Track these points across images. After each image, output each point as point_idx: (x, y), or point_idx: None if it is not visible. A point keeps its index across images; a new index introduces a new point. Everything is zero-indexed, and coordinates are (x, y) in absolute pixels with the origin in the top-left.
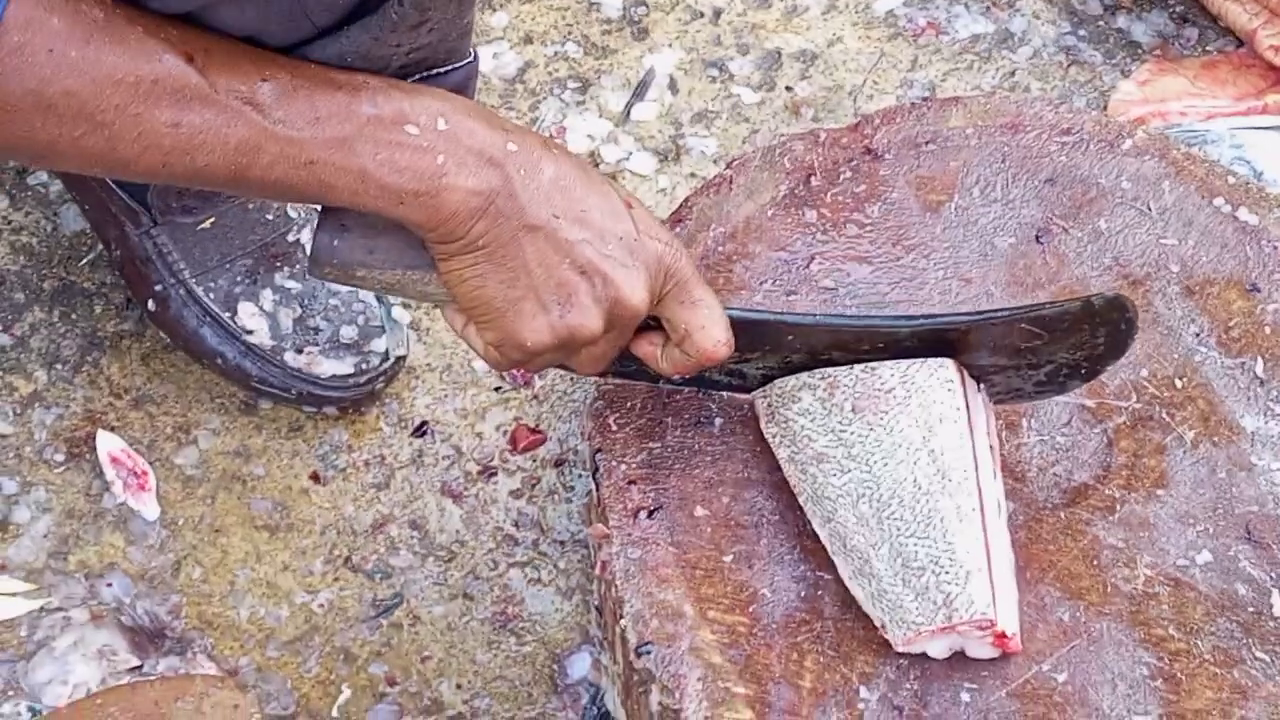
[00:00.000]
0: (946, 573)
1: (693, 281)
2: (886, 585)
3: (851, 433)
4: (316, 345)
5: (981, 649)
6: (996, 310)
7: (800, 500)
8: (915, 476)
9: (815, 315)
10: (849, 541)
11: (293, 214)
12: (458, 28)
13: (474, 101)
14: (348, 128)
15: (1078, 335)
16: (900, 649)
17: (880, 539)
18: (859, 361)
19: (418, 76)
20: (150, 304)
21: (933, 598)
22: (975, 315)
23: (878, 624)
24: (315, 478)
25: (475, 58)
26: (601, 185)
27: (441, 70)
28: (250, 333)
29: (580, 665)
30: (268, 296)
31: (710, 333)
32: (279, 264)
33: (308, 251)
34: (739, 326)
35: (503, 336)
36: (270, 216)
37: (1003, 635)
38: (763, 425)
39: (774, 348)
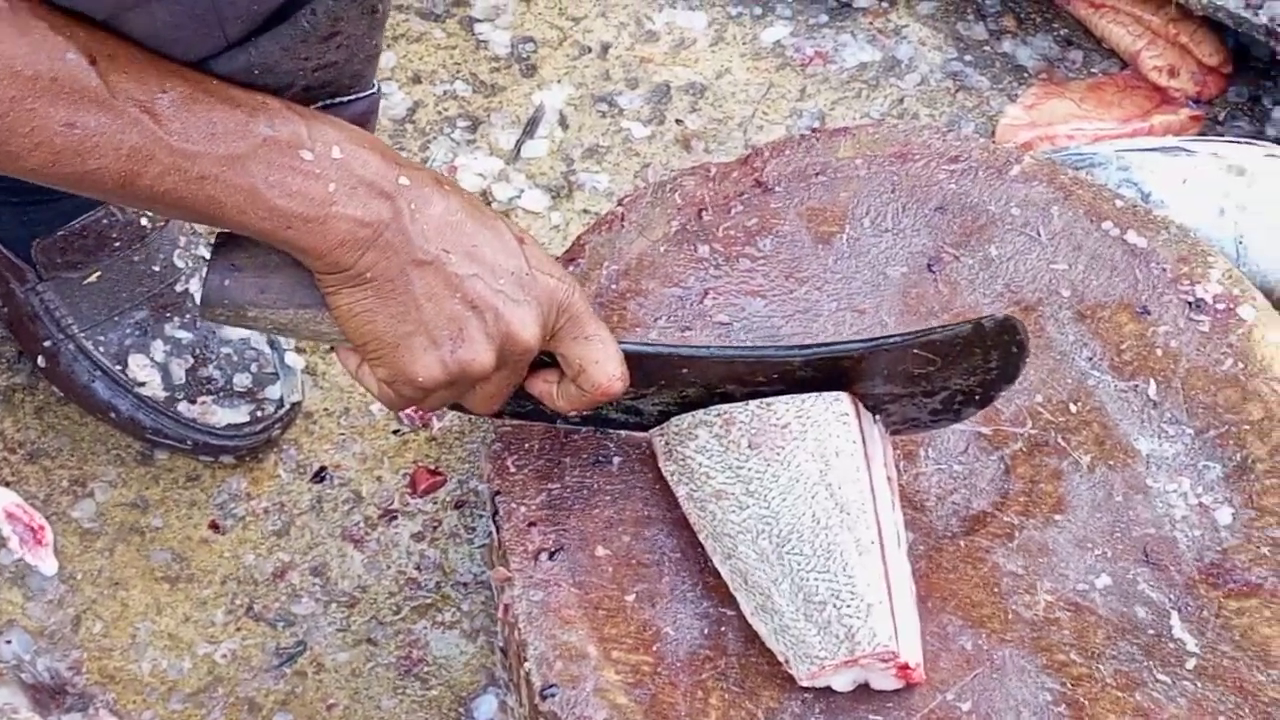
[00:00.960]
0: (848, 606)
1: (586, 316)
2: (789, 620)
3: (749, 469)
4: (210, 395)
5: (885, 681)
6: (889, 336)
7: (700, 537)
8: (814, 511)
9: (709, 348)
10: (750, 578)
11: (179, 264)
12: (366, 48)
13: (371, 134)
14: (242, 146)
15: (970, 359)
16: (805, 684)
17: (781, 574)
18: (755, 395)
19: (321, 104)
20: (40, 359)
21: (835, 631)
22: (868, 342)
23: (781, 659)
24: (214, 527)
25: (378, 90)
26: (493, 221)
27: (345, 99)
28: (142, 385)
29: (486, 708)
30: (159, 348)
31: (605, 367)
32: (169, 314)
33: (197, 299)
34: (634, 361)
35: (394, 373)
36: (157, 268)
37: (906, 666)
38: (661, 463)
39: (669, 382)
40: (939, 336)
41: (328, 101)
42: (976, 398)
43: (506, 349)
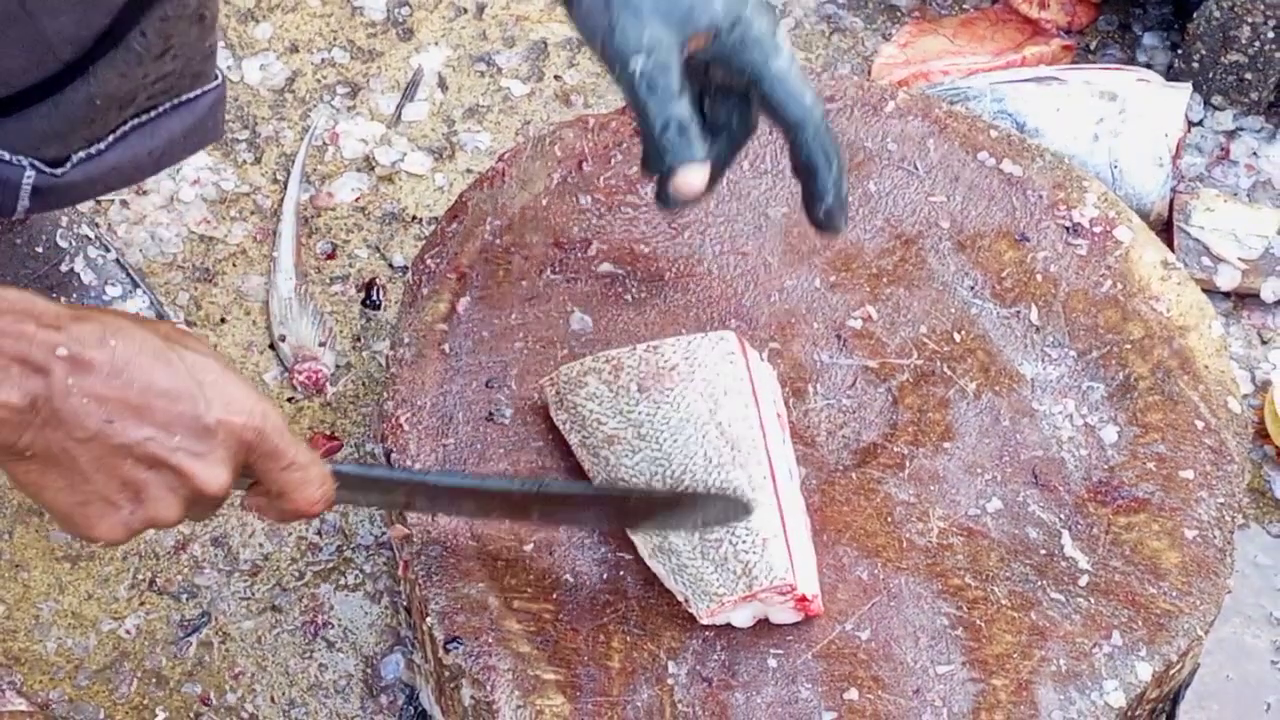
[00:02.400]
0: (743, 542)
1: (280, 448)
2: (685, 560)
3: (639, 412)
4: None
5: (784, 614)
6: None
7: (595, 483)
8: (705, 450)
9: (413, 473)
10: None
11: (63, 244)
12: (201, 51)
13: (26, 294)
14: None
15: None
16: (705, 621)
17: None
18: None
19: (166, 105)
20: None
21: (732, 568)
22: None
23: (681, 599)
24: None
25: (221, 80)
26: (169, 366)
27: (191, 95)
28: None
29: (394, 667)
30: None
31: (304, 494)
32: (55, 294)
33: (84, 280)
34: (348, 479)
35: (78, 534)
36: (40, 249)
37: (804, 598)
38: (552, 412)
39: (379, 498)
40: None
41: (174, 102)
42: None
43: (194, 499)
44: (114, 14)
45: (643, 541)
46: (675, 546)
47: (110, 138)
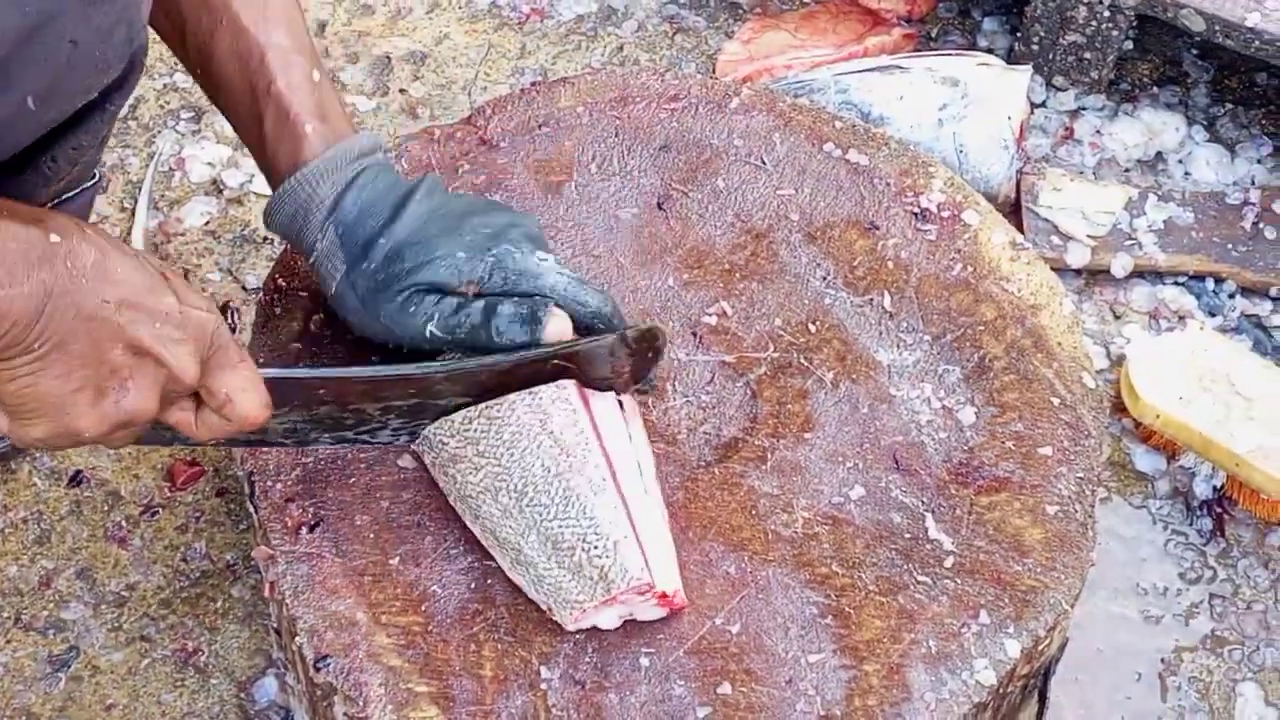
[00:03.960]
0: (595, 547)
1: (232, 347)
2: (543, 571)
3: (474, 430)
4: None
5: (649, 612)
6: (534, 349)
7: (450, 501)
8: (542, 460)
9: (343, 370)
10: (499, 535)
11: None
12: (94, 162)
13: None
14: None
15: (610, 362)
16: (571, 628)
17: (526, 526)
18: (389, 410)
19: (50, 204)
20: None
21: (588, 574)
22: (510, 357)
23: (544, 609)
24: None
25: (99, 178)
26: (137, 261)
27: (73, 194)
28: None
29: (267, 690)
30: None
31: (250, 395)
32: None
33: None
34: (270, 386)
35: (56, 429)
36: None
37: (664, 595)
38: (416, 442)
39: (303, 403)
40: (581, 348)
41: (57, 201)
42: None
43: (169, 390)
44: (25, 146)
45: (501, 555)
46: (531, 559)
47: None
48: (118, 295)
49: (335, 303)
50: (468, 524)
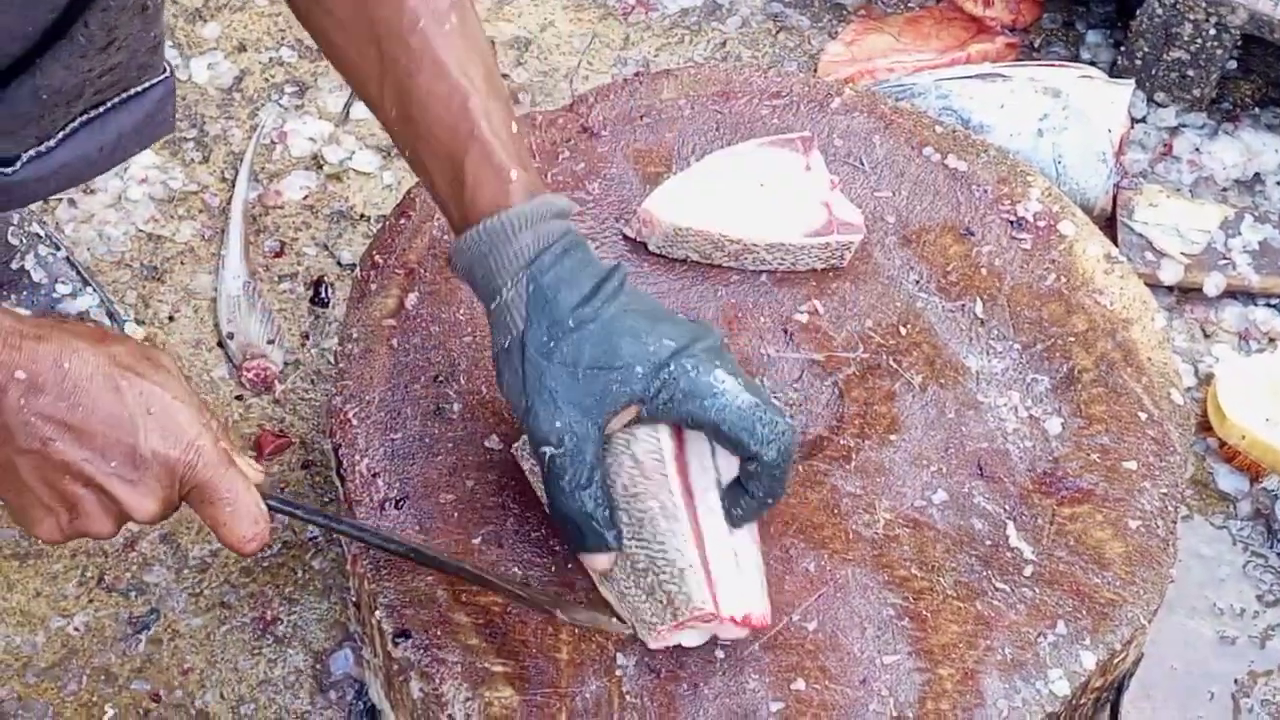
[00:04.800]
0: (664, 573)
1: (213, 483)
2: (624, 589)
3: None
4: None
5: (730, 632)
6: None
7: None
8: (623, 481)
9: (349, 523)
10: None
11: (14, 242)
12: (146, 42)
13: (12, 312)
14: None
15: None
16: (654, 646)
17: None
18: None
19: (115, 99)
20: None
21: (659, 598)
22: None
23: (631, 627)
24: None
25: (170, 73)
26: (116, 393)
27: (138, 89)
28: None
29: (343, 662)
30: None
31: (234, 530)
32: (6, 292)
33: (34, 278)
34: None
35: (21, 527)
36: None
37: (735, 619)
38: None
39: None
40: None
41: (122, 96)
42: None
43: (127, 519)
44: (59, 9)
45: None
46: (615, 575)
47: (60, 134)
48: (69, 431)
49: (498, 356)
50: None
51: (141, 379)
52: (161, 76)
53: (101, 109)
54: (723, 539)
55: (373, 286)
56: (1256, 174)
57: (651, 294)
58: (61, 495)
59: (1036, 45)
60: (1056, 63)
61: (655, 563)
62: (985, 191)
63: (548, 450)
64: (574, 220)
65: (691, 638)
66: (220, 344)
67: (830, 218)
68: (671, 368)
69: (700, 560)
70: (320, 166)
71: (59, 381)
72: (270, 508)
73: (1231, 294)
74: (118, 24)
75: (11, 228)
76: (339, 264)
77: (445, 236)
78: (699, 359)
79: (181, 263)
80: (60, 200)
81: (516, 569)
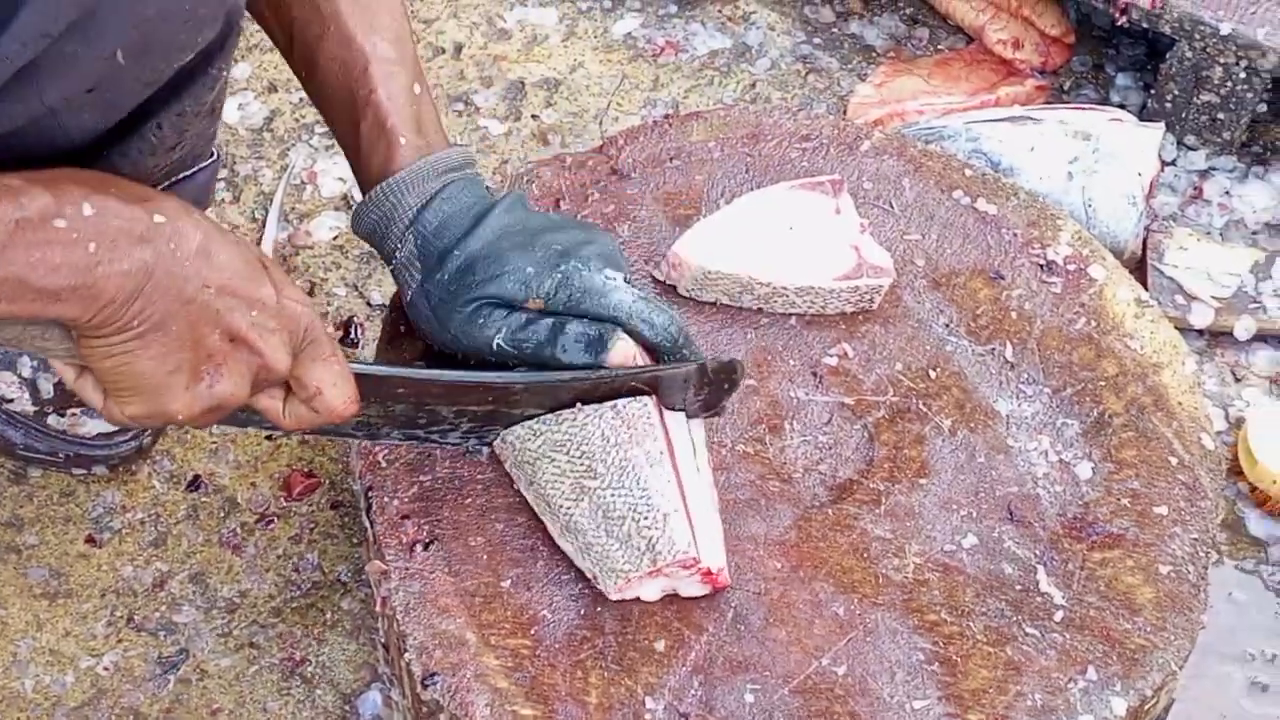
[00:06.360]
0: (645, 518)
1: (325, 340)
2: (591, 539)
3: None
4: (79, 406)
5: (692, 587)
6: (614, 371)
7: (506, 467)
8: (602, 430)
9: (423, 370)
10: (551, 500)
11: None
12: (206, 136)
13: (109, 175)
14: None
15: (688, 389)
16: (614, 597)
17: (579, 493)
18: (462, 413)
19: (166, 184)
20: None
21: (636, 544)
22: (587, 375)
23: (589, 576)
24: (91, 541)
25: (217, 156)
26: (240, 248)
27: (190, 172)
28: (10, 401)
29: (371, 703)
30: (26, 363)
31: (341, 390)
32: None
33: None
34: (357, 380)
35: (150, 410)
36: None
37: (709, 572)
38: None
39: (381, 400)
40: (661, 374)
41: (173, 180)
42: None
43: (260, 378)
44: (133, 110)
45: (551, 521)
46: (580, 525)
47: None
48: (218, 281)
49: (410, 311)
50: (520, 488)
51: (243, 240)
52: (210, 160)
53: None
54: (702, 486)
55: (402, 328)
56: None
57: None
58: (209, 354)
59: (1066, 88)
60: (1086, 106)
61: (635, 509)
62: (1015, 235)
63: (498, 346)
64: (476, 169)
65: (650, 590)
66: None
67: (860, 261)
68: (564, 267)
69: (684, 507)
70: (350, 206)
71: (194, 228)
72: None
73: (1262, 338)
74: (189, 127)
75: None
76: (369, 304)
77: None
78: (589, 259)
79: None
80: None
81: (546, 612)
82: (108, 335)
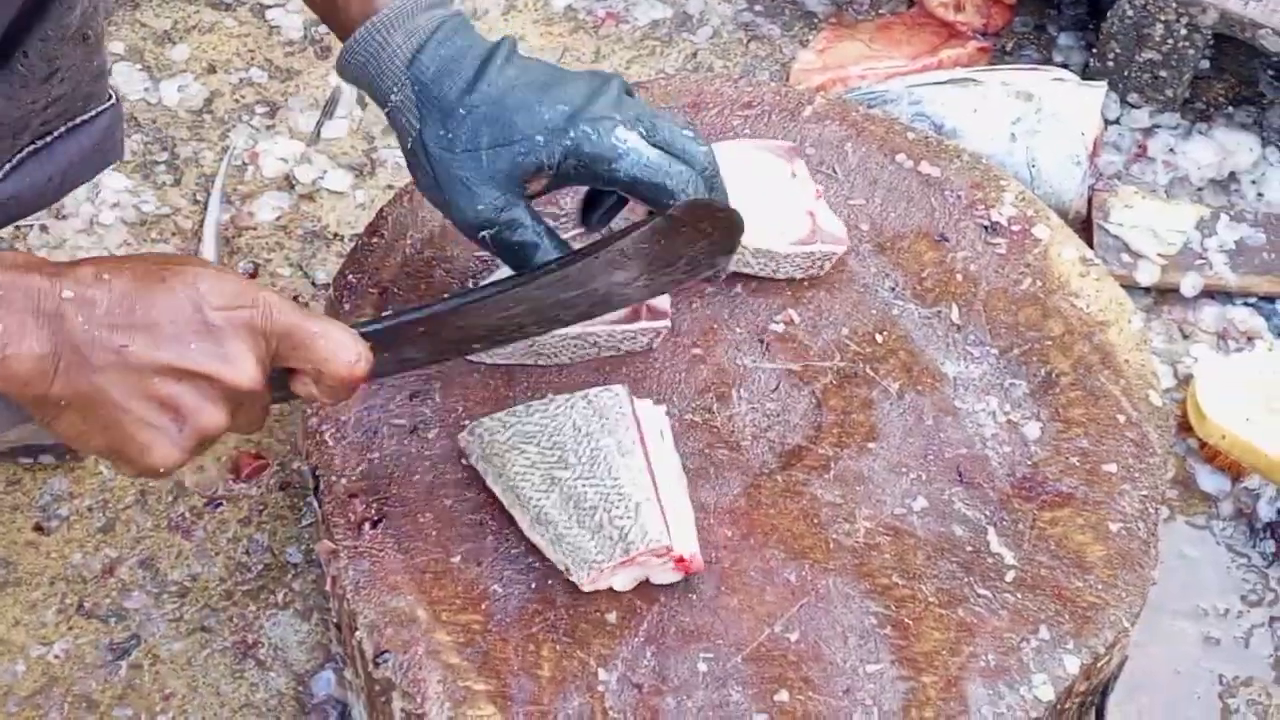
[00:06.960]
0: (617, 508)
1: (297, 323)
2: (563, 530)
3: (519, 411)
4: None
5: (664, 575)
6: (582, 252)
7: (471, 461)
8: (574, 420)
9: (446, 300)
10: (521, 493)
11: None
12: (90, 71)
13: (22, 253)
14: None
15: (681, 236)
16: (587, 589)
17: (550, 484)
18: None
19: (61, 129)
20: None
21: (608, 534)
22: (594, 251)
23: (561, 568)
24: (39, 529)
25: (115, 99)
26: (163, 283)
27: (85, 117)
28: None
29: (325, 684)
30: None
31: (339, 360)
32: None
33: None
34: (375, 336)
35: (140, 472)
36: None
37: (682, 559)
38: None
39: (401, 342)
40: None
41: (69, 125)
42: (704, 263)
43: (234, 398)
44: None
45: (521, 514)
46: (551, 517)
47: (7, 166)
48: (139, 334)
49: (408, 158)
50: (488, 482)
51: (181, 265)
52: (107, 103)
53: (48, 139)
54: (673, 472)
55: (346, 306)
56: (1231, 173)
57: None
58: (159, 402)
59: (1008, 49)
60: (1028, 66)
61: (607, 499)
62: (959, 197)
63: (485, 234)
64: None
65: (623, 580)
66: None
67: (814, 227)
68: (572, 134)
69: (655, 495)
70: (292, 186)
71: (107, 291)
72: (362, 335)
73: (1209, 294)
74: (58, 54)
75: None
76: (313, 284)
77: (419, 254)
78: (598, 121)
79: None
80: (31, 225)
81: (496, 587)
82: (51, 416)
